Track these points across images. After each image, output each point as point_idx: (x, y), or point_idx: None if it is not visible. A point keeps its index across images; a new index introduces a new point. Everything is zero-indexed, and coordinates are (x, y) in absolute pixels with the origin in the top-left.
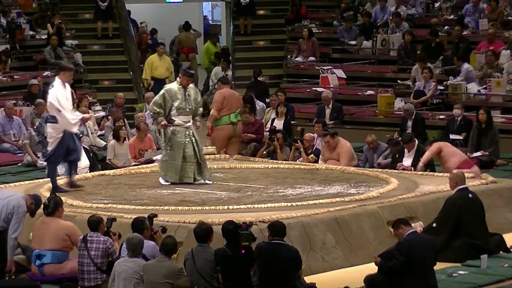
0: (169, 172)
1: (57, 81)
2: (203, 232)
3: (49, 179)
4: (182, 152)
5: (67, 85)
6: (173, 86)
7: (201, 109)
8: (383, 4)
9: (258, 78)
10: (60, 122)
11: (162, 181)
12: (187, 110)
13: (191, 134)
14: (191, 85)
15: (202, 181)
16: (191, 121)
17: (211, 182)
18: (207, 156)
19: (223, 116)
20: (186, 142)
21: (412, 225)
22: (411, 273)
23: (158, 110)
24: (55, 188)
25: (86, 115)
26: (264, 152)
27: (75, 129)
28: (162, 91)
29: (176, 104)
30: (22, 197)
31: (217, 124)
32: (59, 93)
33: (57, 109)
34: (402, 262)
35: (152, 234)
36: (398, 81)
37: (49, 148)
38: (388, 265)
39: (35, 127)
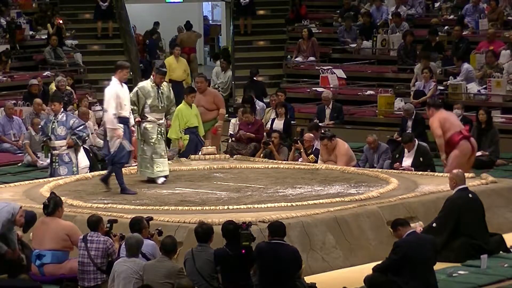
0: (143, 168)
1: (113, 80)
2: (204, 232)
3: (52, 178)
4: (153, 147)
5: (124, 85)
6: (147, 84)
7: (174, 107)
8: (378, 4)
9: (255, 78)
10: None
11: (159, 181)
12: (160, 108)
13: (162, 131)
14: (164, 83)
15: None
16: (164, 118)
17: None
18: (207, 156)
19: None
20: (159, 138)
21: (412, 225)
22: (411, 273)
23: (132, 107)
24: (124, 190)
25: (120, 132)
26: (261, 155)
27: (110, 134)
28: (135, 89)
29: (149, 101)
30: (12, 207)
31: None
32: (111, 92)
33: (105, 108)
34: (394, 261)
35: (149, 237)
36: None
37: (112, 150)
38: (381, 263)
39: (40, 126)
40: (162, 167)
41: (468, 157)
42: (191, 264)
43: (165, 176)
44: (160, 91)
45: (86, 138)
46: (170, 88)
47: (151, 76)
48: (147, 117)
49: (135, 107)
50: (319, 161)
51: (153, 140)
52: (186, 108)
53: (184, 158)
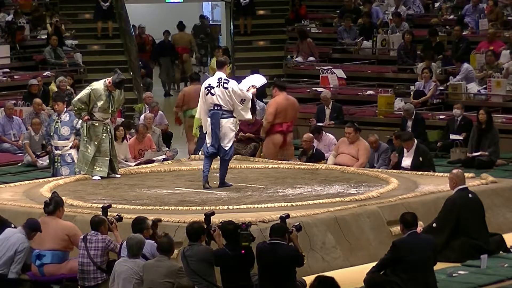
0: (81, 163)
1: (224, 74)
2: (194, 230)
3: (52, 178)
4: (97, 145)
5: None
6: (100, 87)
7: (119, 107)
8: (376, 4)
9: None
10: (240, 113)
11: (95, 178)
12: (110, 111)
13: (108, 129)
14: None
15: (113, 175)
16: (110, 118)
17: (119, 176)
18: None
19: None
20: (103, 137)
21: None
22: (410, 274)
23: (82, 106)
24: (224, 183)
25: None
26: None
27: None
28: (88, 90)
29: (99, 104)
30: (20, 231)
31: None
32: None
33: (243, 99)
34: (386, 260)
35: (156, 239)
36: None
37: (230, 143)
38: (376, 263)
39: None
40: (103, 167)
41: (280, 147)
42: (185, 265)
43: (102, 177)
44: (111, 95)
45: (79, 138)
46: (122, 91)
47: (107, 83)
48: (95, 116)
49: (85, 107)
50: (331, 155)
51: (99, 139)
52: None
53: (184, 158)
